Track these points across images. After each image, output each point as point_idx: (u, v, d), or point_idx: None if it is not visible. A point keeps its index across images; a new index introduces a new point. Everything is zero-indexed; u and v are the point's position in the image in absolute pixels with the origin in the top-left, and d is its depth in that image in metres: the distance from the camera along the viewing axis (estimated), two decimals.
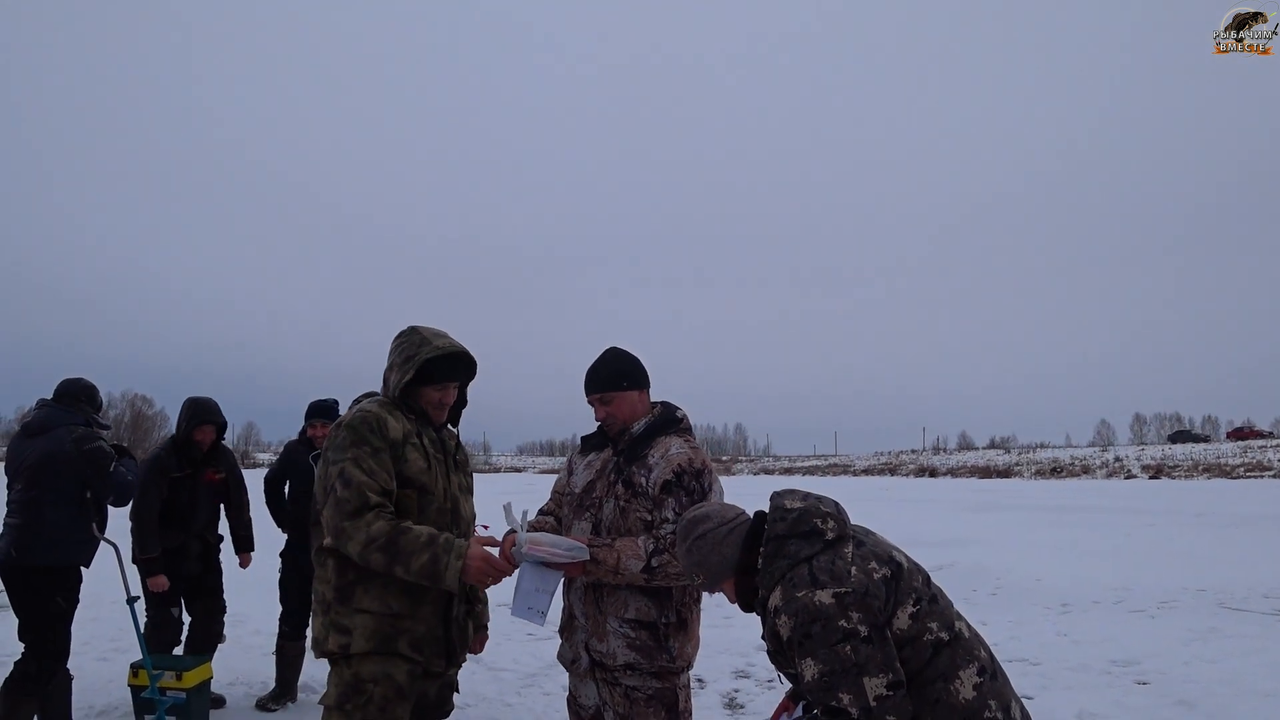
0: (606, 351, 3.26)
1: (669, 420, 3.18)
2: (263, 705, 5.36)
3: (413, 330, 3.04)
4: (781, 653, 2.35)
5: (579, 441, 3.42)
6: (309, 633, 5.12)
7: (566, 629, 3.23)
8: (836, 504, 2.50)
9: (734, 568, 2.47)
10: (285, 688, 5.47)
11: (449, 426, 3.21)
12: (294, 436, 6.05)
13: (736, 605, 2.55)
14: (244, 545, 5.86)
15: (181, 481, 5.33)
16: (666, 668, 3.00)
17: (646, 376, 3.23)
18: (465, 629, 3.06)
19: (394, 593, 2.78)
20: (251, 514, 5.90)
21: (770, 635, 2.35)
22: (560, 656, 3.28)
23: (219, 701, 5.43)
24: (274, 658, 5.61)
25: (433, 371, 2.97)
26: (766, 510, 2.52)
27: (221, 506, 5.71)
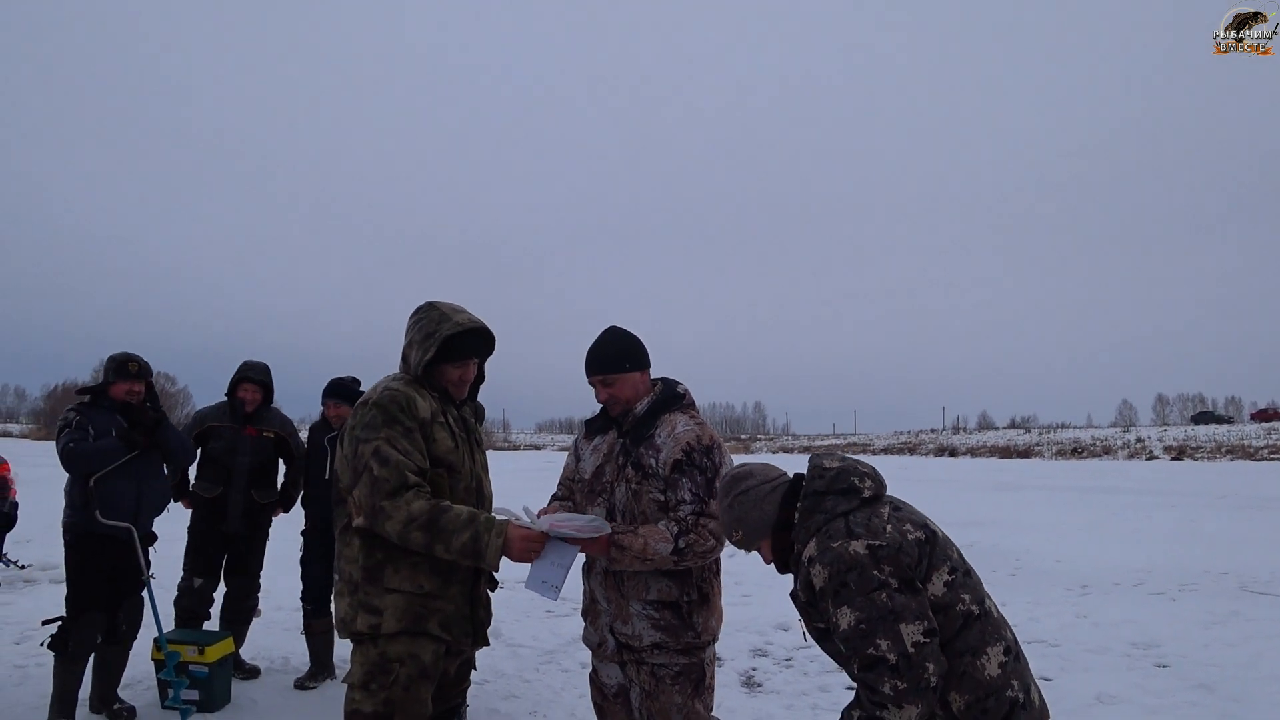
0: (606, 332, 3.21)
1: (671, 397, 3.16)
2: (301, 685, 5.34)
3: (430, 306, 3.02)
4: (813, 604, 2.37)
5: (582, 426, 3.40)
6: (333, 609, 5.27)
7: (590, 612, 3.23)
8: (873, 467, 2.55)
9: (772, 525, 2.50)
10: (322, 665, 5.45)
11: (473, 401, 3.23)
12: (315, 417, 6.08)
13: (772, 565, 2.58)
14: (284, 504, 5.89)
15: (220, 430, 5.42)
16: (692, 644, 3.02)
17: (647, 356, 3.20)
18: (489, 607, 3.08)
19: (424, 572, 2.78)
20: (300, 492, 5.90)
21: (804, 586, 2.38)
22: (586, 640, 3.28)
23: (254, 672, 5.48)
24: (295, 634, 5.65)
25: (453, 348, 2.95)
26: (805, 472, 2.55)
27: (276, 471, 5.80)
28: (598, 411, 3.29)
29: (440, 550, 2.67)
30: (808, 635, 2.53)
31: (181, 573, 5.51)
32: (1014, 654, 2.34)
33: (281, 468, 5.93)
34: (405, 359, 2.99)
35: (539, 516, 2.92)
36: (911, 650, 2.15)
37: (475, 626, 2.96)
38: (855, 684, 2.26)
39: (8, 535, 4.46)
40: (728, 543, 2.74)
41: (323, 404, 5.75)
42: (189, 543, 5.54)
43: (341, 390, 5.65)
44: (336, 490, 2.88)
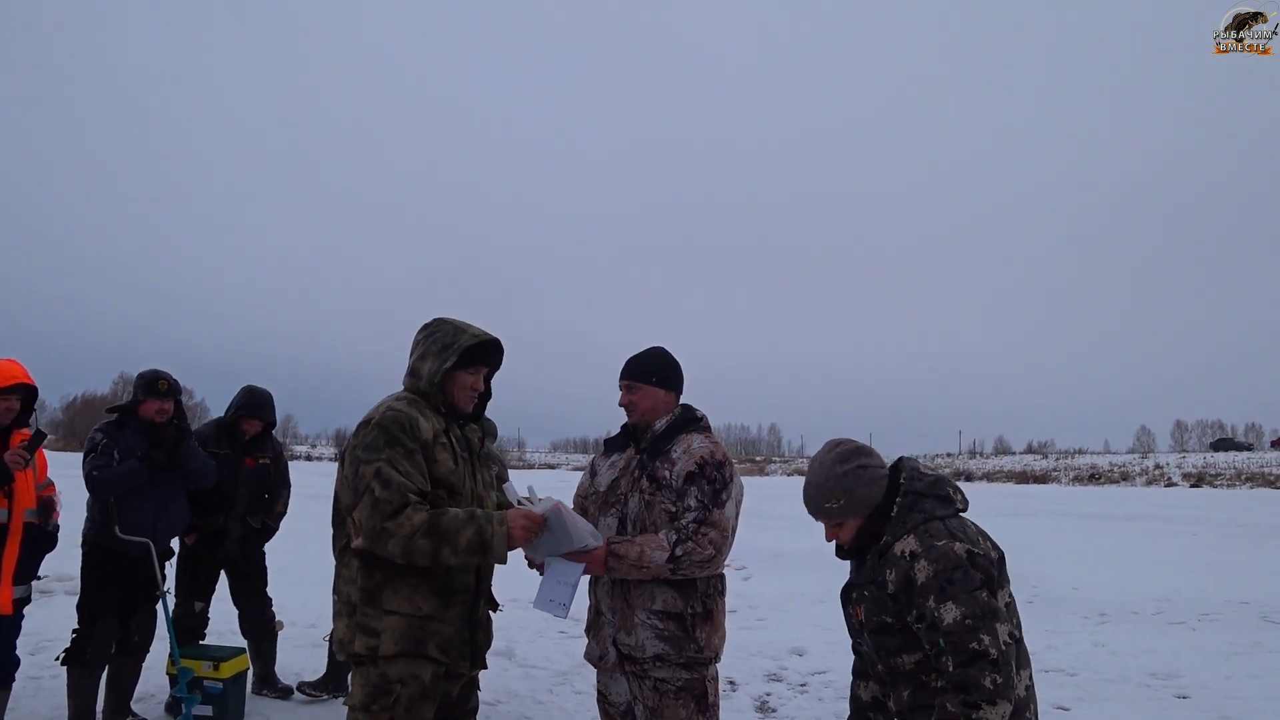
0: (652, 348, 3.39)
1: (689, 420, 3.30)
2: (303, 688, 5.37)
3: (442, 321, 3.03)
4: (899, 597, 2.40)
5: (602, 445, 3.53)
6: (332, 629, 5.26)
7: (593, 626, 3.27)
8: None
9: (872, 508, 2.55)
10: (338, 683, 5.35)
11: (482, 418, 3.24)
12: (336, 428, 6.02)
13: (836, 543, 2.65)
14: (264, 536, 5.64)
15: (221, 460, 5.25)
16: (695, 658, 3.05)
17: (679, 381, 3.35)
18: (489, 630, 3.07)
19: (423, 593, 2.77)
20: (288, 508, 5.78)
21: (900, 580, 2.40)
22: (588, 654, 3.32)
23: (287, 691, 5.42)
24: (309, 650, 5.64)
25: (470, 358, 2.97)
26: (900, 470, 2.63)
27: (270, 496, 5.61)
28: (618, 430, 3.41)
29: (447, 553, 2.66)
30: (863, 626, 2.56)
31: (174, 597, 5.33)
32: (1033, 680, 2.46)
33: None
34: (415, 373, 2.97)
35: (542, 499, 2.93)
36: (1004, 648, 2.26)
37: (474, 650, 2.94)
38: (941, 681, 2.29)
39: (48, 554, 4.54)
40: (821, 513, 2.67)
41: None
42: (183, 567, 5.38)
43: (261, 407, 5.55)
44: (336, 510, 2.87)
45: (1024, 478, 55.34)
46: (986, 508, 27.23)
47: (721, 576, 3.19)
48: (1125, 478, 51.25)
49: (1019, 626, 2.45)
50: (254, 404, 5.42)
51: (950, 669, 2.26)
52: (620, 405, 3.32)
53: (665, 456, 3.15)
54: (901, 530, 2.45)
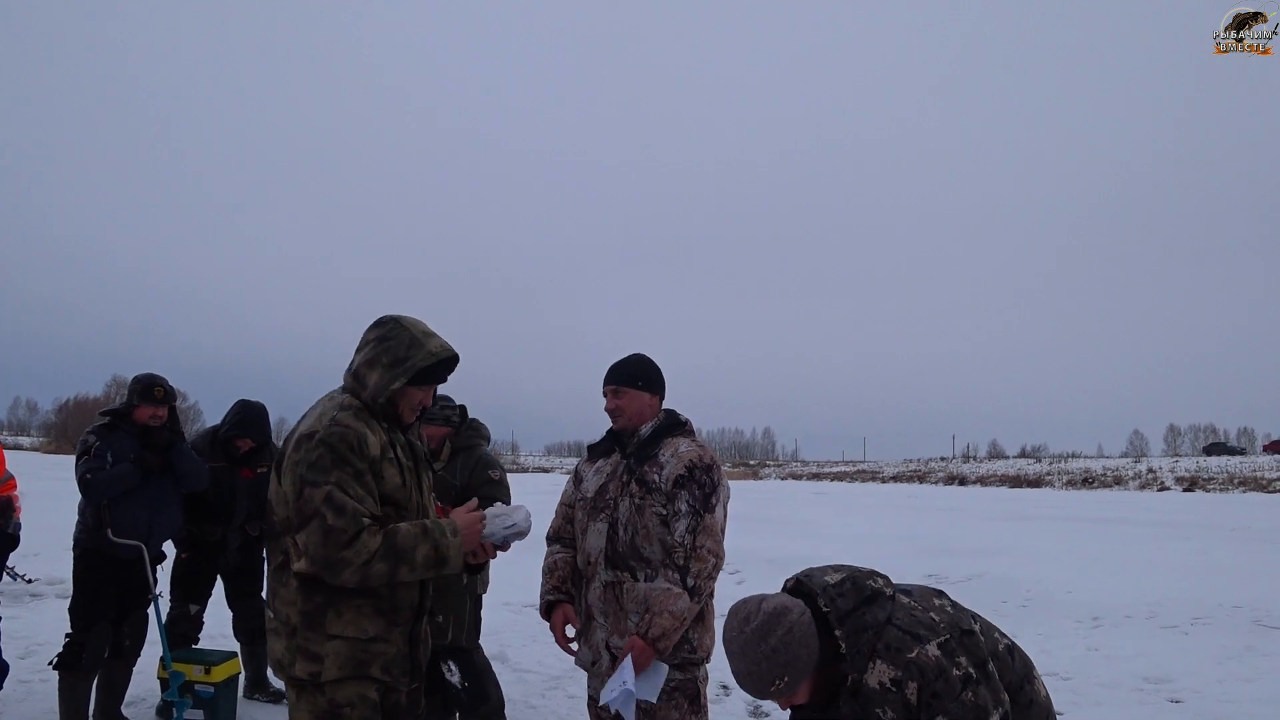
0: (634, 354, 3.44)
1: (674, 424, 3.35)
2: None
3: (396, 323, 2.77)
4: None
5: (585, 451, 3.55)
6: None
7: (584, 631, 3.28)
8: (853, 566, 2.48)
9: (815, 663, 2.26)
10: None
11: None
12: None
13: (792, 709, 2.41)
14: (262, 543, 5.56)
15: (217, 473, 5.23)
16: (688, 659, 3.08)
17: (662, 385, 3.40)
18: (428, 645, 2.97)
19: (368, 615, 2.64)
20: None
21: (901, 711, 2.21)
22: (579, 661, 3.34)
23: (278, 696, 5.38)
24: None
25: (424, 376, 2.78)
26: (807, 595, 2.39)
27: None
28: (601, 437, 3.46)
29: (405, 572, 2.56)
30: None
31: (168, 600, 5.34)
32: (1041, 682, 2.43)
33: None
34: (360, 379, 2.72)
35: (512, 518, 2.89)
36: None
37: (414, 665, 2.84)
38: None
39: (10, 554, 4.48)
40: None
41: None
42: (178, 573, 5.38)
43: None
44: (270, 523, 2.71)
45: (1018, 481, 55.39)
46: (980, 511, 27.35)
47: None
48: (1118, 481, 51.31)
49: (1003, 633, 2.43)
50: (245, 423, 5.34)
51: None
52: (606, 410, 3.37)
53: (653, 461, 3.18)
54: (863, 660, 2.22)
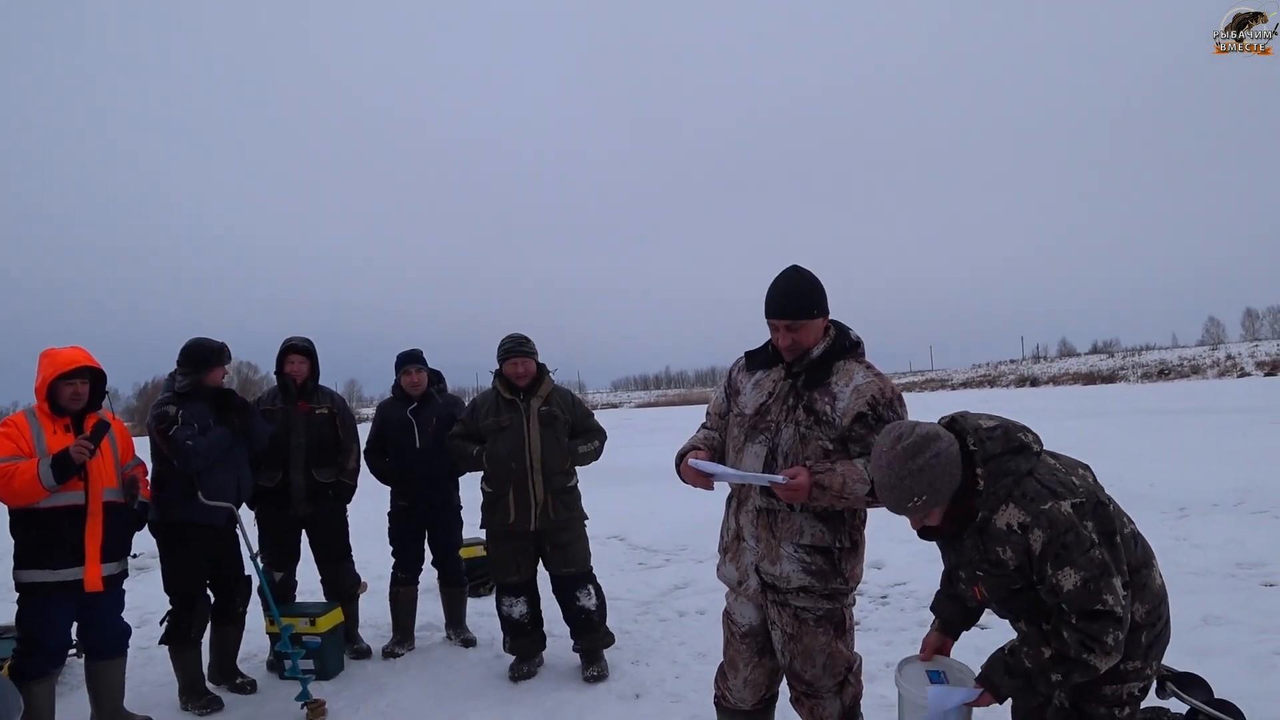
0: (792, 272, 3.03)
1: (847, 345, 3.04)
2: (389, 653, 5.49)
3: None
4: (1022, 569, 2.37)
5: (743, 358, 3.25)
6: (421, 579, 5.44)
7: (731, 549, 3.17)
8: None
9: (955, 490, 2.40)
10: (405, 634, 5.61)
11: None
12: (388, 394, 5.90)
13: (921, 531, 2.51)
14: (341, 495, 5.50)
15: (271, 414, 5.23)
16: (839, 589, 3.01)
17: (828, 301, 3.04)
18: None
19: None
20: (361, 464, 5.63)
21: (1020, 555, 2.34)
22: (724, 576, 3.22)
23: (365, 652, 5.50)
24: (385, 603, 5.75)
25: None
26: (958, 433, 2.49)
27: (335, 450, 5.45)
28: (762, 344, 3.17)
29: None
30: (985, 600, 2.54)
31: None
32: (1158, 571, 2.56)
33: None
34: None
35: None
36: (1123, 601, 2.27)
37: None
38: (1059, 629, 2.31)
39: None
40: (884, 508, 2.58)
41: (400, 373, 5.64)
42: (260, 536, 5.36)
43: (420, 358, 5.66)
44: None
45: (1091, 379, 54.42)
46: (1055, 411, 26.90)
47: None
48: (1196, 371, 50.14)
49: (1131, 520, 2.50)
50: (291, 340, 5.38)
51: (1074, 622, 2.28)
52: (779, 345, 3.03)
53: (824, 387, 2.93)
54: (996, 501, 2.35)
